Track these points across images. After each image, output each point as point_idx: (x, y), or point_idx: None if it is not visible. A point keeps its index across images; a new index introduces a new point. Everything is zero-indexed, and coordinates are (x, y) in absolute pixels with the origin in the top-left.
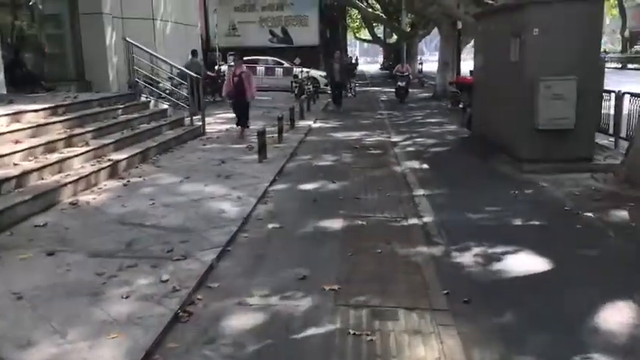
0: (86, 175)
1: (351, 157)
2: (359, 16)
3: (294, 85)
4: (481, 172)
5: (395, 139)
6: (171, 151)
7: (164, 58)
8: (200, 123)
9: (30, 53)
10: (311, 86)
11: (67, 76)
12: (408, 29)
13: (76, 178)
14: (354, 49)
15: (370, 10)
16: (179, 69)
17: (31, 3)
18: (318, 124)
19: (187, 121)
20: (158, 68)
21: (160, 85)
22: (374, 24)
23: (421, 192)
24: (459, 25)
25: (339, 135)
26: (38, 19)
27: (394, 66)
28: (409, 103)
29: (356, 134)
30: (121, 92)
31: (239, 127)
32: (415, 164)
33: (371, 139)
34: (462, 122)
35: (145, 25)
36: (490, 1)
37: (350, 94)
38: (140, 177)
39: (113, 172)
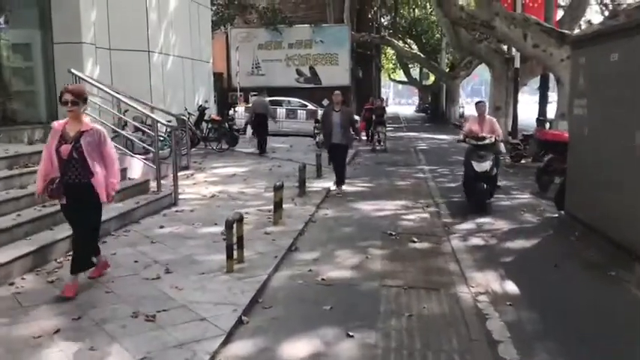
0: None
1: (381, 259)
2: (394, 56)
3: (315, 131)
4: (619, 308)
5: (446, 217)
6: (104, 241)
7: (134, 104)
8: (171, 189)
9: None
10: None
11: (35, 117)
12: (447, 70)
13: None
14: (388, 90)
15: (407, 48)
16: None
17: None
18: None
19: (167, 184)
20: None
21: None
22: (409, 64)
23: None
24: (516, 62)
25: (367, 207)
26: (3, 48)
27: (430, 107)
28: (454, 154)
29: (390, 206)
30: None
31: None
32: (493, 282)
33: (412, 217)
34: (544, 191)
35: (138, 58)
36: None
37: (379, 147)
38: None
39: None
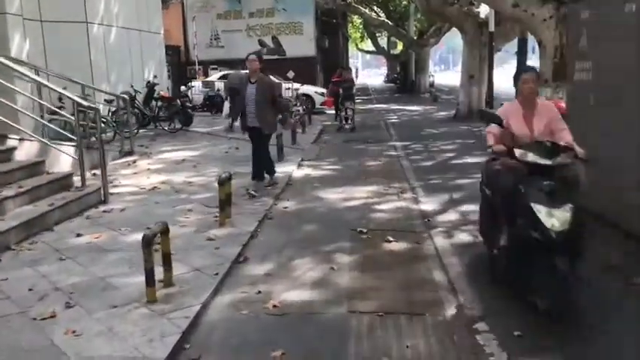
0: None
1: (350, 269)
2: (361, 25)
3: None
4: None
5: (426, 204)
6: None
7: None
8: (101, 183)
9: None
10: (301, 108)
11: None
12: (415, 37)
13: None
14: (357, 60)
15: (374, 15)
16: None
17: None
18: (303, 171)
19: (93, 177)
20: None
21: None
22: (377, 33)
23: None
24: (490, 25)
25: (333, 196)
26: None
27: (399, 77)
28: (426, 127)
29: (360, 193)
30: None
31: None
32: (491, 298)
33: (386, 206)
34: None
35: (76, 30)
36: None
37: (347, 126)
38: None
39: None
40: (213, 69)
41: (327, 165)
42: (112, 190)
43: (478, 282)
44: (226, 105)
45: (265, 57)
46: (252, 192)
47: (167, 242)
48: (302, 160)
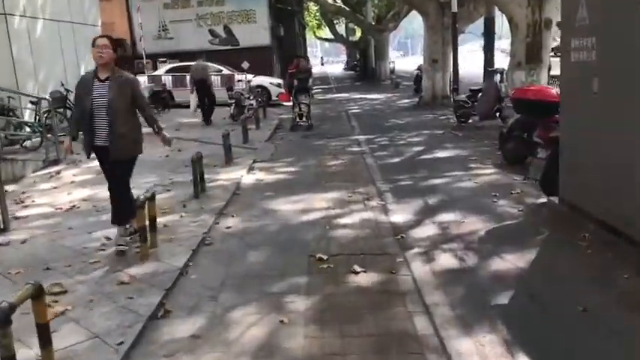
0: None
1: (306, 322)
2: (318, 12)
3: (229, 100)
4: None
5: (397, 214)
6: None
7: None
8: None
9: None
10: (254, 101)
11: None
12: (374, 23)
13: None
14: (316, 49)
15: (330, 1)
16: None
17: None
18: (254, 176)
19: None
20: None
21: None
22: (335, 20)
23: None
24: (453, 6)
25: (288, 208)
26: None
27: (359, 64)
28: (390, 117)
29: (319, 202)
30: None
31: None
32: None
33: (350, 221)
34: (510, 163)
35: None
36: None
37: (301, 123)
38: None
39: None
40: (162, 62)
41: (282, 167)
42: (19, 213)
43: (473, 335)
44: (193, 98)
45: (218, 48)
46: (121, 247)
47: (42, 308)
48: (254, 162)
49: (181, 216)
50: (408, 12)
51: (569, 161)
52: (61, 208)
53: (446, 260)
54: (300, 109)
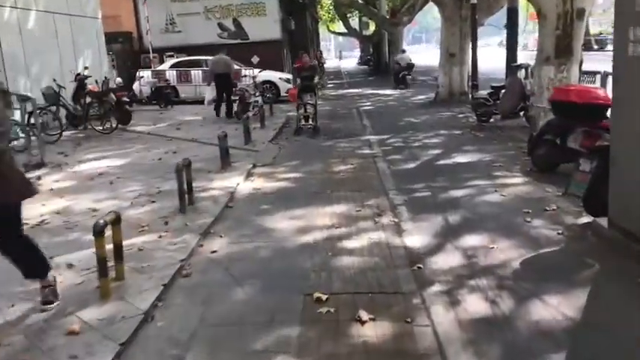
0: None
1: None
2: (332, 6)
3: (233, 97)
4: None
5: (413, 235)
6: None
7: None
8: None
9: None
10: (260, 98)
11: None
12: (388, 16)
13: None
14: (329, 43)
15: None
16: None
17: None
18: (251, 184)
19: None
20: None
21: None
22: (348, 14)
23: None
24: None
25: (285, 226)
26: None
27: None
28: (404, 115)
29: (322, 219)
30: None
31: None
32: None
33: (358, 245)
34: (541, 170)
35: None
36: None
37: (306, 126)
38: None
39: None
40: (169, 56)
41: (284, 172)
42: None
43: None
44: (208, 91)
45: (227, 42)
46: (46, 306)
47: None
48: (253, 166)
49: (160, 236)
50: (424, 4)
51: (622, 177)
52: (27, 224)
53: (474, 304)
54: (305, 111)
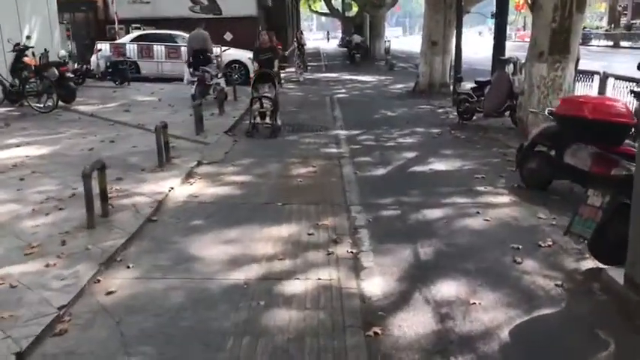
0: None
1: None
2: None
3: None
4: None
5: (373, 278)
6: None
7: None
8: None
9: None
10: (222, 80)
11: None
12: None
13: None
14: (312, 23)
15: None
16: None
17: None
18: (189, 188)
19: None
20: None
21: None
22: None
23: None
24: None
25: (213, 254)
26: None
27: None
28: (380, 106)
29: (265, 245)
30: None
31: None
32: None
33: (300, 290)
34: (529, 185)
35: None
36: None
37: (264, 124)
38: None
39: None
40: (135, 28)
41: (232, 174)
42: None
43: None
44: (186, 71)
45: (199, 16)
46: None
47: None
48: (198, 164)
49: (48, 264)
50: None
51: None
52: None
53: None
54: (261, 106)
